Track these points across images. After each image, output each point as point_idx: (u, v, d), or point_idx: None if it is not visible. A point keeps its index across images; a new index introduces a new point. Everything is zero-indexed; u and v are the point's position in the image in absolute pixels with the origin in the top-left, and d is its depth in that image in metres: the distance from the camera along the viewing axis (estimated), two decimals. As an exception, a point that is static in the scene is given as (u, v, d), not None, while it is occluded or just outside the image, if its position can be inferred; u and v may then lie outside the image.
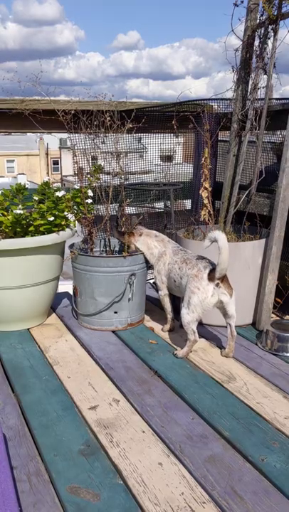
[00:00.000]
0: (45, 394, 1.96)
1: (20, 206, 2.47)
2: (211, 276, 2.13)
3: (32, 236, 2.46)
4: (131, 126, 2.45)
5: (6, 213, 2.44)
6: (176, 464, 1.55)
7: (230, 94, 2.89)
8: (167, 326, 2.55)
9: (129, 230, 2.56)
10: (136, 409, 1.85)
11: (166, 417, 1.79)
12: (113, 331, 2.56)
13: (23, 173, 34.11)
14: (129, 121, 2.50)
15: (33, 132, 2.84)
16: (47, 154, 38.48)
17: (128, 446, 1.63)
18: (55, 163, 40.81)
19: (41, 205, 2.48)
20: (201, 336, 2.46)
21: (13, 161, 39.96)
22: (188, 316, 2.17)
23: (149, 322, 2.69)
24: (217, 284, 2.13)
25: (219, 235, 2.04)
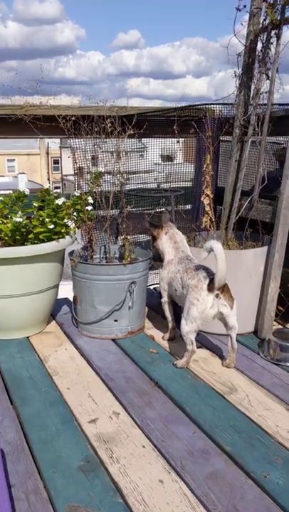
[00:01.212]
0: (44, 406, 1.93)
1: (19, 213, 2.44)
2: (210, 287, 2.09)
3: (31, 243, 2.44)
4: (132, 132, 2.42)
5: (5, 221, 2.41)
6: (177, 481, 1.52)
7: (232, 98, 2.87)
8: (168, 335, 2.53)
9: (160, 225, 2.51)
10: (136, 423, 1.82)
11: (167, 431, 1.76)
12: (113, 340, 2.53)
13: (24, 173, 34.08)
14: (130, 127, 2.47)
15: (32, 138, 2.81)
16: (47, 153, 38.48)
17: (128, 462, 1.60)
18: (56, 162, 40.78)
19: (41, 212, 2.45)
20: (201, 344, 2.44)
21: (13, 160, 39.95)
22: (187, 327, 2.14)
23: (149, 330, 2.66)
24: (217, 295, 2.09)
25: (214, 244, 2.01)
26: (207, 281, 2.10)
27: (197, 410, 1.89)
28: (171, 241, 2.45)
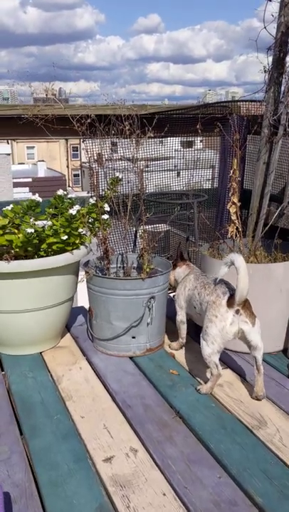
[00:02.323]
0: (55, 439, 1.78)
1: (32, 220, 2.26)
2: (230, 303, 1.93)
3: (44, 253, 2.28)
4: (152, 135, 2.22)
5: (16, 231, 2.25)
6: (202, 540, 1.35)
7: (255, 82, 2.66)
8: (175, 345, 2.43)
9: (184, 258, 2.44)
10: (156, 463, 1.65)
11: (190, 475, 1.59)
12: (130, 357, 2.37)
13: (43, 160, 34.00)
14: (150, 128, 2.27)
15: (45, 139, 2.63)
16: (67, 141, 38.33)
17: (147, 514, 1.44)
18: (75, 149, 40.66)
19: (54, 220, 2.28)
20: (226, 365, 2.26)
21: (33, 147, 39.94)
22: (208, 348, 1.97)
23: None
24: (237, 311, 1.93)
25: (235, 257, 1.87)
26: (226, 296, 1.94)
27: (223, 449, 1.72)
28: (181, 268, 2.39)
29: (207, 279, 2.14)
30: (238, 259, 1.88)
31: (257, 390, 2.02)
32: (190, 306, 2.24)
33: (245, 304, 1.95)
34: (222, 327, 1.94)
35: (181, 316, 2.34)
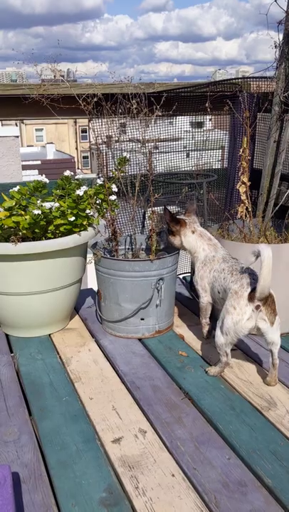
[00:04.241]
0: (64, 420, 1.78)
1: (39, 202, 2.24)
2: (251, 296, 1.82)
3: (52, 235, 2.26)
4: (160, 114, 2.18)
5: (23, 212, 2.23)
6: (211, 521, 1.35)
7: (265, 61, 2.59)
8: (205, 332, 2.32)
9: (183, 219, 2.23)
10: (165, 444, 1.65)
11: (199, 456, 1.59)
12: (139, 339, 2.36)
13: (52, 143, 33.86)
14: (158, 107, 2.22)
15: (50, 119, 2.59)
16: (75, 123, 38.09)
17: (156, 495, 1.44)
18: (84, 131, 40.40)
19: (61, 202, 2.26)
20: (236, 346, 2.24)
21: (41, 129, 39.74)
22: (222, 338, 1.92)
23: (178, 328, 2.47)
24: (257, 307, 1.82)
25: (263, 249, 1.73)
26: (249, 289, 1.83)
27: (232, 430, 1.71)
28: (203, 240, 2.19)
29: (236, 264, 2.01)
30: (265, 252, 1.72)
31: (270, 381, 1.97)
32: (213, 290, 2.12)
33: (268, 301, 1.83)
34: (237, 321, 1.85)
35: (207, 298, 2.19)
